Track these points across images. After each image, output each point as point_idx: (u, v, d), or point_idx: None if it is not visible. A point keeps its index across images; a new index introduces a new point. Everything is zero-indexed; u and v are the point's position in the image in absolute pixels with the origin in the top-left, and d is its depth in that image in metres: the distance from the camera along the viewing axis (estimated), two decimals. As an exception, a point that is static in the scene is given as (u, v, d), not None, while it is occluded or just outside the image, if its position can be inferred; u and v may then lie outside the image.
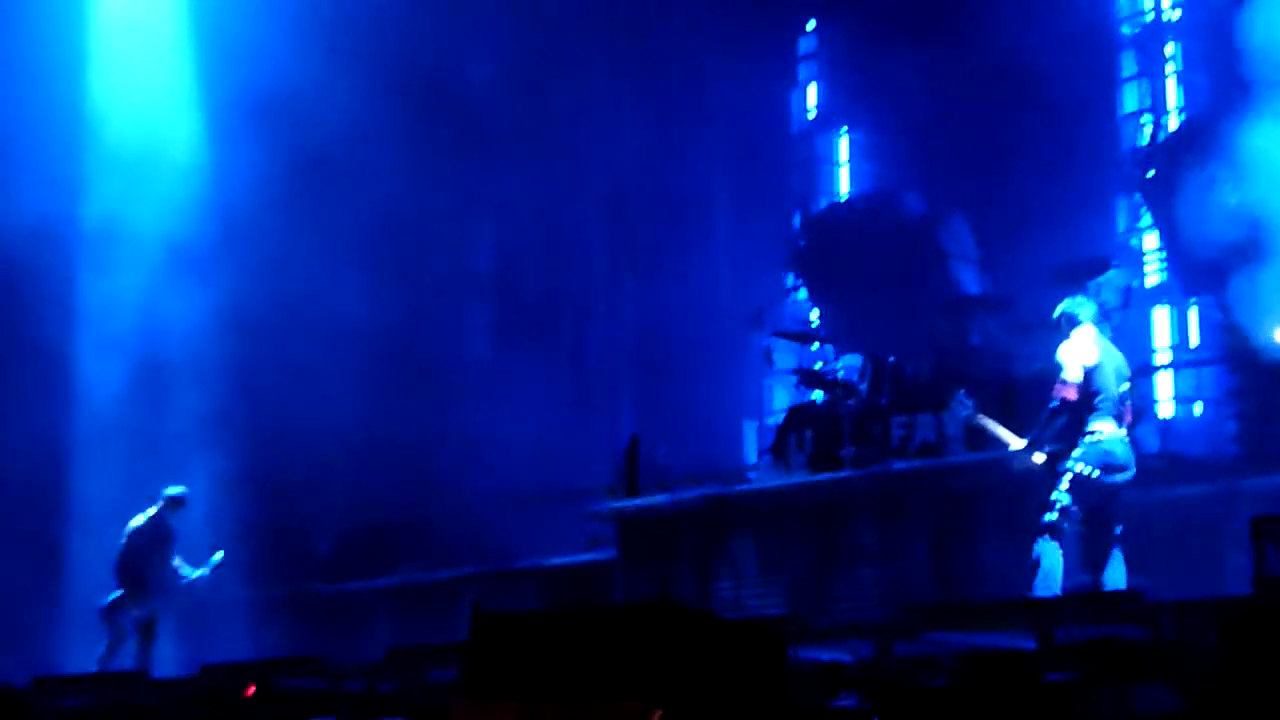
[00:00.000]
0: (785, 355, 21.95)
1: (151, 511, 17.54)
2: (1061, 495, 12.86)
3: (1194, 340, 20.31)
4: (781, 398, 22.10)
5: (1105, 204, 21.11)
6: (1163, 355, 20.69)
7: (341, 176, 21.35)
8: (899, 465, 16.24)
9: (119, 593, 17.39)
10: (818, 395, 18.56)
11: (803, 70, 25.84)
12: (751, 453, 22.18)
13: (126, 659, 17.04)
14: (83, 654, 17.76)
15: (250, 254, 21.08)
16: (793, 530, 16.66)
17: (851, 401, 17.49)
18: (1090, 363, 13.15)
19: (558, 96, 24.99)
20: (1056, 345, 13.39)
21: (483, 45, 24.20)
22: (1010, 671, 9.24)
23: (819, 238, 22.98)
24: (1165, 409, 20.18)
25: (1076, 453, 12.94)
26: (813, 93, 25.73)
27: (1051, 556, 12.78)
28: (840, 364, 18.69)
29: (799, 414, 18.41)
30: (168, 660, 17.46)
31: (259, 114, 21.00)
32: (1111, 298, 18.38)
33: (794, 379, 20.55)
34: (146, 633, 17.43)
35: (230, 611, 19.42)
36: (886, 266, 20.14)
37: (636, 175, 24.67)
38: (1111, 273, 18.43)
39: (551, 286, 24.69)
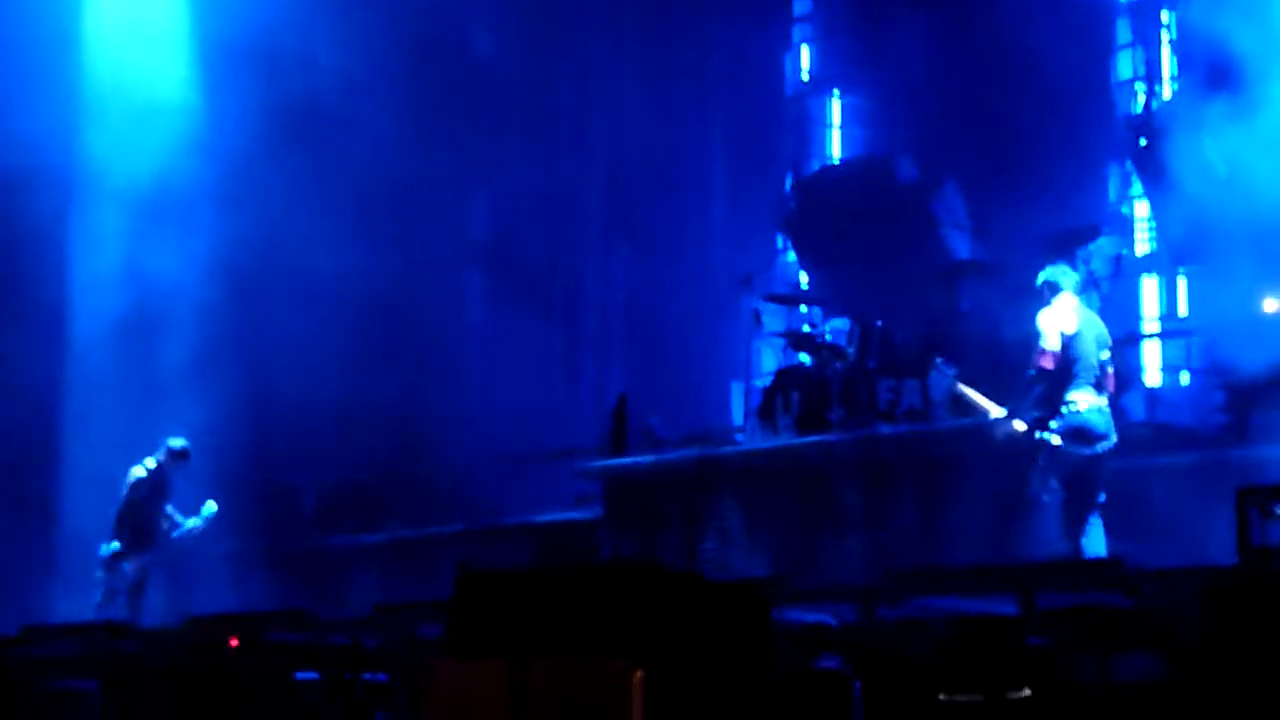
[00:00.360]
0: (774, 318, 21.94)
1: (151, 463, 17.50)
2: (1044, 471, 12.95)
3: (1182, 309, 20.33)
4: (770, 360, 22.08)
5: (1097, 172, 21.11)
6: (1151, 324, 20.70)
7: (338, 134, 21.29)
8: (885, 429, 16.27)
9: (118, 544, 17.37)
10: (805, 358, 18.57)
11: (797, 32, 25.78)
12: (739, 414, 22.17)
13: (119, 610, 17.04)
14: (76, 606, 17.78)
15: (243, 206, 21.02)
16: (779, 492, 16.68)
17: (839, 365, 17.52)
18: (1069, 331, 13.21)
19: (554, 61, 24.96)
20: (1037, 312, 13.43)
21: (484, 9, 24.13)
22: (993, 636, 9.28)
23: (809, 200, 22.95)
24: (1153, 378, 20.21)
25: (1053, 424, 13.00)
26: (806, 55, 25.68)
27: (1043, 528, 12.92)
28: (828, 327, 18.72)
29: (787, 376, 18.42)
30: (154, 612, 17.47)
31: (254, 64, 20.93)
32: (1101, 266, 18.42)
33: (782, 341, 20.57)
34: (137, 583, 17.43)
35: (216, 564, 19.42)
36: (877, 231, 20.13)
37: (631, 139, 24.66)
38: (1102, 240, 18.46)
39: (544, 250, 24.68)
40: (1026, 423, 13.36)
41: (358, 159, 21.60)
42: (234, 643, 12.87)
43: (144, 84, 21.44)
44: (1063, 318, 13.37)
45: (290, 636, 13.10)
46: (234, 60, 21.30)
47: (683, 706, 7.81)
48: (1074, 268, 16.69)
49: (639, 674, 7.57)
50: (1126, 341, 19.18)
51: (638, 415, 19.41)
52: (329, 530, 22.02)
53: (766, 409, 18.01)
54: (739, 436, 19.33)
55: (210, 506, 17.62)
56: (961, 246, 19.98)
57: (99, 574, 17.40)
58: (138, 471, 17.48)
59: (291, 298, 21.04)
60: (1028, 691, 8.86)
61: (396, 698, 11.71)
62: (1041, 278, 13.68)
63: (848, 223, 20.91)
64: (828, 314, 19.62)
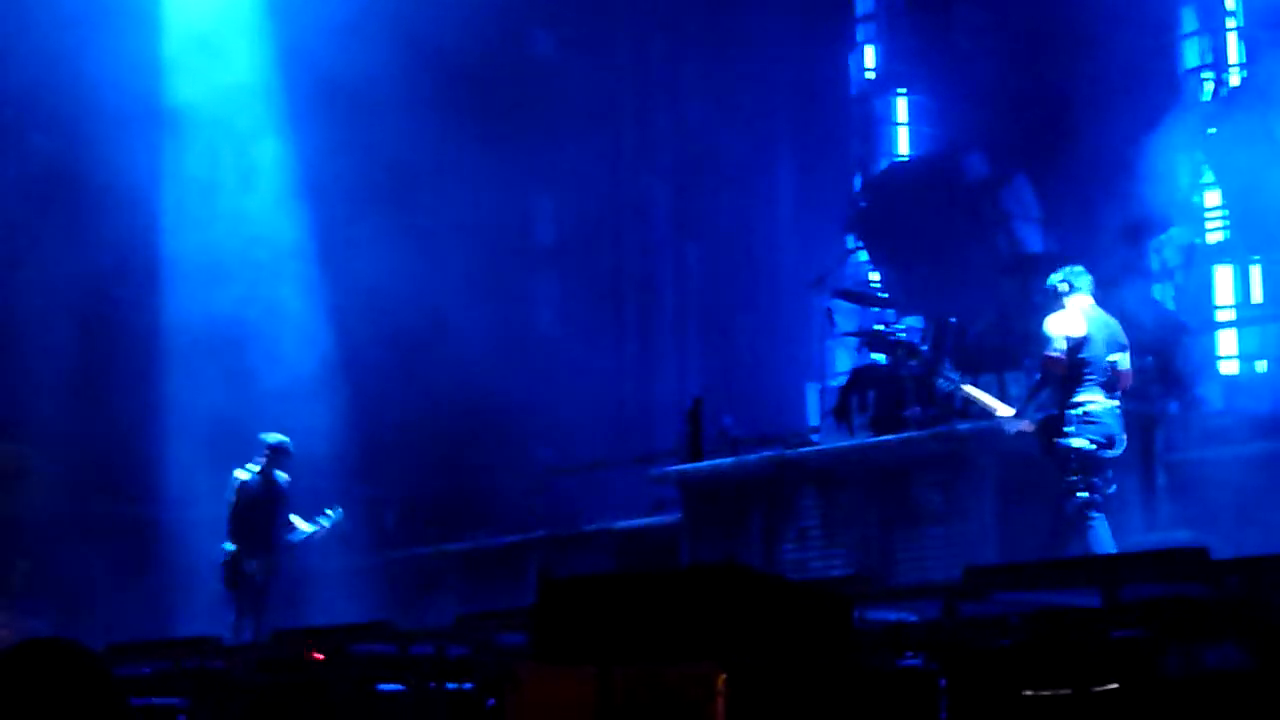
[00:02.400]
0: (847, 317, 21.89)
1: (254, 466, 17.43)
2: (1078, 477, 12.97)
3: (1256, 297, 20.15)
4: (843, 360, 22.04)
5: (1167, 161, 20.96)
6: (1224, 313, 20.53)
7: (395, 141, 21.39)
8: (962, 426, 16.21)
9: (232, 546, 17.33)
10: (880, 357, 18.52)
11: (860, 31, 25.69)
12: (814, 415, 22.13)
13: (269, 617, 17.00)
14: (177, 622, 17.90)
15: (322, 234, 21.30)
16: (856, 492, 16.65)
17: (914, 363, 17.46)
18: (1077, 334, 13.31)
19: (616, 62, 24.97)
20: (1048, 314, 13.56)
21: (543, 11, 24.18)
22: (1077, 629, 9.22)
23: (879, 199, 22.87)
24: (1229, 366, 20.05)
25: (1070, 429, 13.02)
26: (870, 54, 25.58)
27: (1099, 534, 12.90)
28: (902, 325, 18.67)
29: (861, 376, 18.38)
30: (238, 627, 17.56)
31: (314, 72, 21.11)
32: (1173, 255, 18.30)
33: (856, 341, 20.51)
34: (261, 588, 17.35)
35: (299, 580, 19.52)
36: (948, 227, 20.03)
37: (695, 142, 24.64)
38: (1173, 230, 18.33)
39: (612, 254, 24.70)
40: (1034, 423, 13.44)
41: (417, 166, 21.69)
42: (318, 656, 12.93)
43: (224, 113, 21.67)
44: (1070, 322, 13.46)
45: (374, 648, 13.14)
46: (293, 65, 21.47)
47: (767, 709, 7.80)
48: (1146, 258, 16.64)
49: (723, 678, 7.55)
50: (1201, 330, 19.07)
51: (712, 418, 19.40)
52: (410, 541, 22.10)
53: (842, 409, 17.97)
54: (814, 437, 19.28)
55: (334, 512, 17.57)
56: (1033, 239, 19.85)
57: (226, 586, 17.31)
58: (240, 475, 17.43)
59: (360, 311, 21.17)
60: (1114, 685, 8.80)
61: (482, 706, 11.72)
62: (1054, 279, 13.75)
63: (918, 220, 20.81)
64: (900, 312, 19.56)
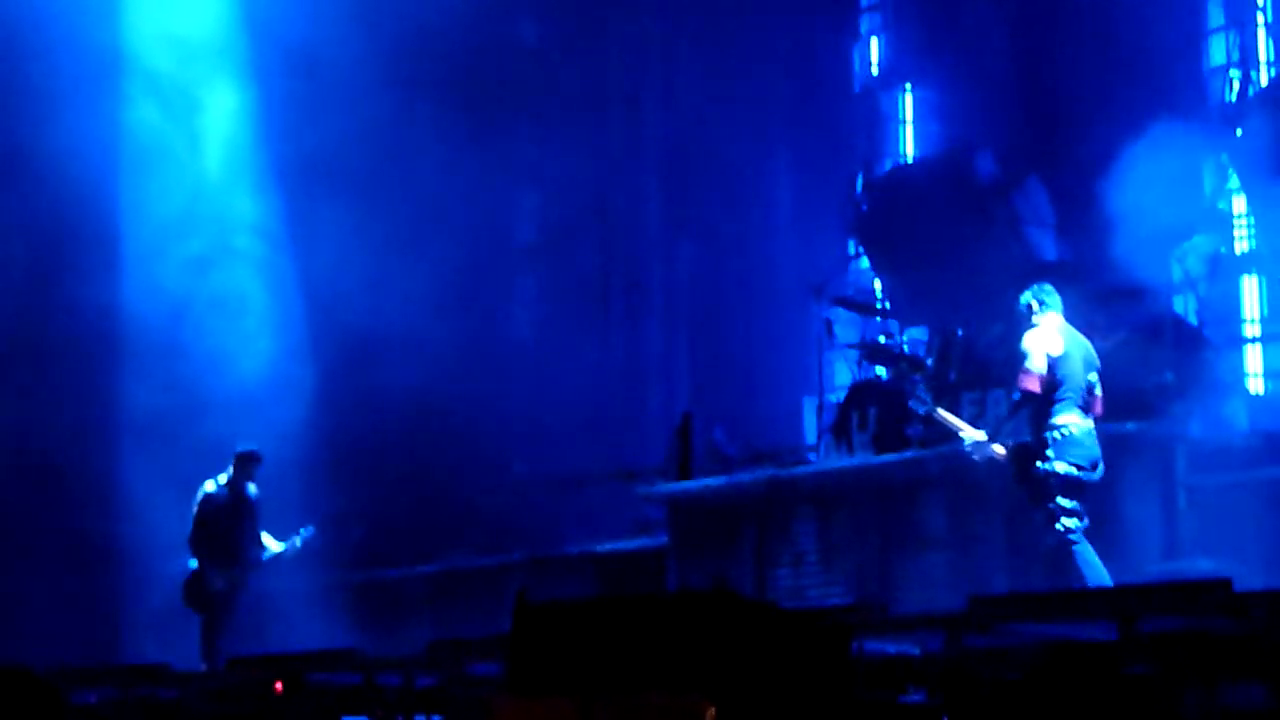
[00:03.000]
0: (847, 328, 21.91)
1: (222, 478, 17.29)
2: (1062, 502, 13.03)
3: (1286, 311, 20.20)
4: (843, 373, 22.03)
5: (1191, 165, 20.98)
6: (1252, 327, 20.56)
7: (369, 139, 21.40)
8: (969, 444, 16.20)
9: (194, 563, 17.22)
10: (882, 371, 18.53)
11: (865, 22, 25.73)
12: (811, 432, 22.13)
13: (235, 639, 16.97)
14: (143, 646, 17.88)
15: (287, 221, 21.28)
16: (856, 514, 16.66)
17: (918, 377, 17.47)
18: (1055, 353, 13.44)
19: (605, 50, 24.97)
20: (1022, 334, 13.61)
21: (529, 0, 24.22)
22: (1089, 664, 9.22)
23: (882, 201, 22.87)
24: (1255, 384, 20.07)
25: (1050, 452, 13.11)
26: (875, 46, 25.62)
27: (1090, 563, 12.96)
28: (906, 337, 18.68)
29: (862, 391, 18.40)
30: (191, 652, 17.52)
31: (289, 62, 21.14)
32: (1197, 265, 18.31)
33: (856, 353, 20.52)
34: (225, 606, 17.28)
35: (256, 602, 19.46)
36: (955, 232, 20.03)
37: (688, 137, 24.63)
38: (1197, 239, 18.35)
39: (600, 256, 24.68)
40: (1006, 447, 13.54)
41: (388, 152, 21.68)
42: (278, 686, 12.91)
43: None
44: (1049, 339, 13.56)
45: (338, 678, 13.13)
46: (272, 56, 21.50)
47: (759, 746, 7.80)
48: (1169, 267, 16.66)
49: (711, 711, 7.55)
50: (1228, 345, 19.08)
51: (702, 434, 19.40)
52: (377, 562, 22.07)
53: (841, 426, 17.99)
54: (811, 456, 19.30)
55: (305, 530, 17.52)
56: (1046, 246, 19.87)
57: (188, 606, 17.22)
58: (207, 486, 17.32)
59: (321, 308, 21.19)
60: (1128, 724, 8.82)
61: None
62: (1025, 297, 13.88)
63: (924, 224, 20.81)
64: (904, 323, 19.58)
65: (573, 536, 20.73)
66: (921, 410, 14.84)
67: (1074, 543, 13.10)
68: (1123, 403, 15.42)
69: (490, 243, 23.62)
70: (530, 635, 8.42)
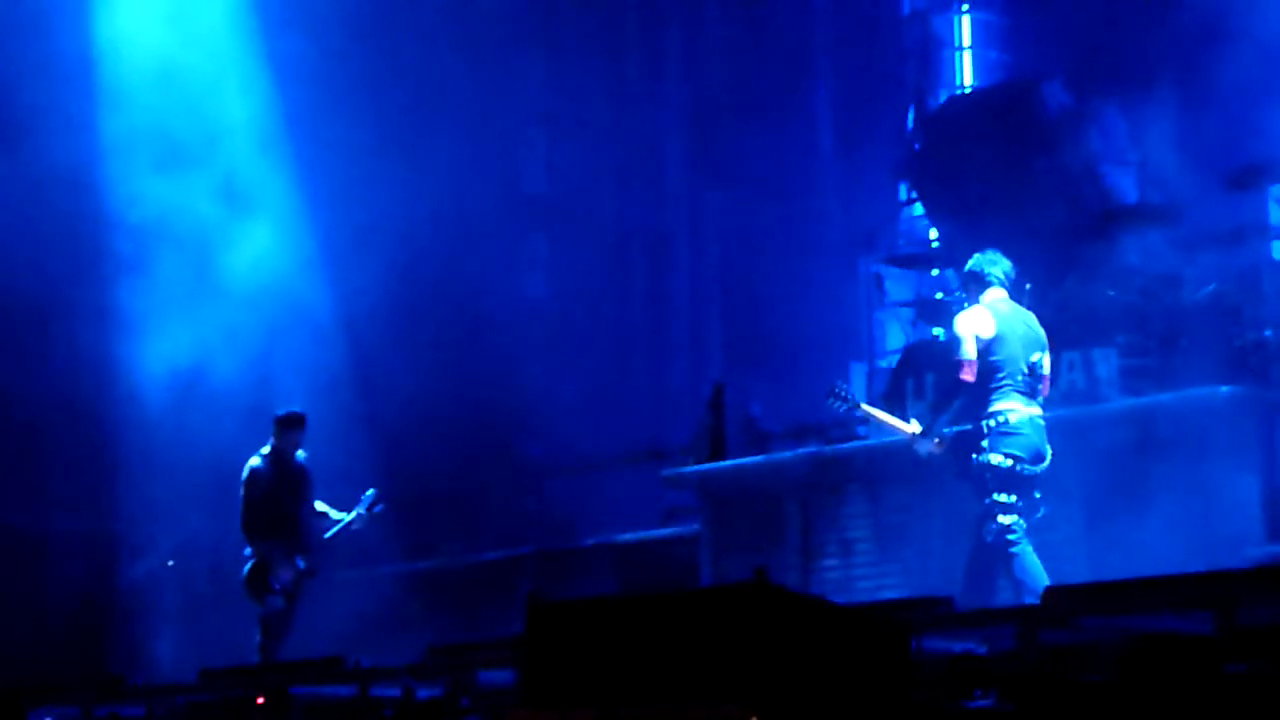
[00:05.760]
0: (899, 284, 21.90)
1: (265, 449, 17.25)
2: (999, 497, 13.26)
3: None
4: (896, 335, 22.04)
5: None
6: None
7: (366, 70, 21.54)
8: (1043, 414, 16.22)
9: (250, 553, 17.16)
10: (939, 331, 18.52)
11: (915, -64, 25.70)
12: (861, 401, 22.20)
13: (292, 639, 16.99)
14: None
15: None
16: (912, 496, 16.67)
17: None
18: (986, 335, 13.67)
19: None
20: (962, 309, 14.02)
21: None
22: (1182, 662, 9.23)
23: (938, 140, 22.83)
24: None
25: (985, 443, 13.32)
26: (927, -37, 25.59)
27: (1025, 565, 13.22)
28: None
29: (917, 354, 18.38)
30: (162, 662, 17.58)
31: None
32: (1294, 209, 18.26)
33: (910, 312, 20.51)
34: (290, 598, 17.25)
35: (231, 605, 19.51)
36: (1022, 173, 20.00)
37: (720, 71, 24.62)
38: (1300, 177, 18.29)
39: (618, 206, 24.69)
40: (947, 439, 13.87)
41: (387, 110, 21.74)
42: (259, 700, 12.97)
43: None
44: (978, 321, 13.81)
45: (327, 690, 13.18)
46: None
47: (807, 759, 7.82)
48: (1267, 209, 16.63)
49: (753, 721, 7.58)
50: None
51: (736, 407, 19.41)
52: (370, 557, 22.11)
53: (894, 394, 17.99)
54: (861, 430, 19.30)
55: (368, 496, 17.49)
56: (1126, 187, 19.84)
57: (254, 600, 17.21)
58: (252, 462, 17.25)
59: (305, 269, 21.31)
60: (1227, 728, 8.82)
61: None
62: (966, 268, 14.14)
63: (985, 164, 20.77)
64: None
65: (591, 527, 20.79)
66: (842, 409, 15.07)
67: (1012, 542, 13.43)
68: (1214, 363, 15.43)
69: (497, 195, 23.65)
70: (545, 639, 8.44)
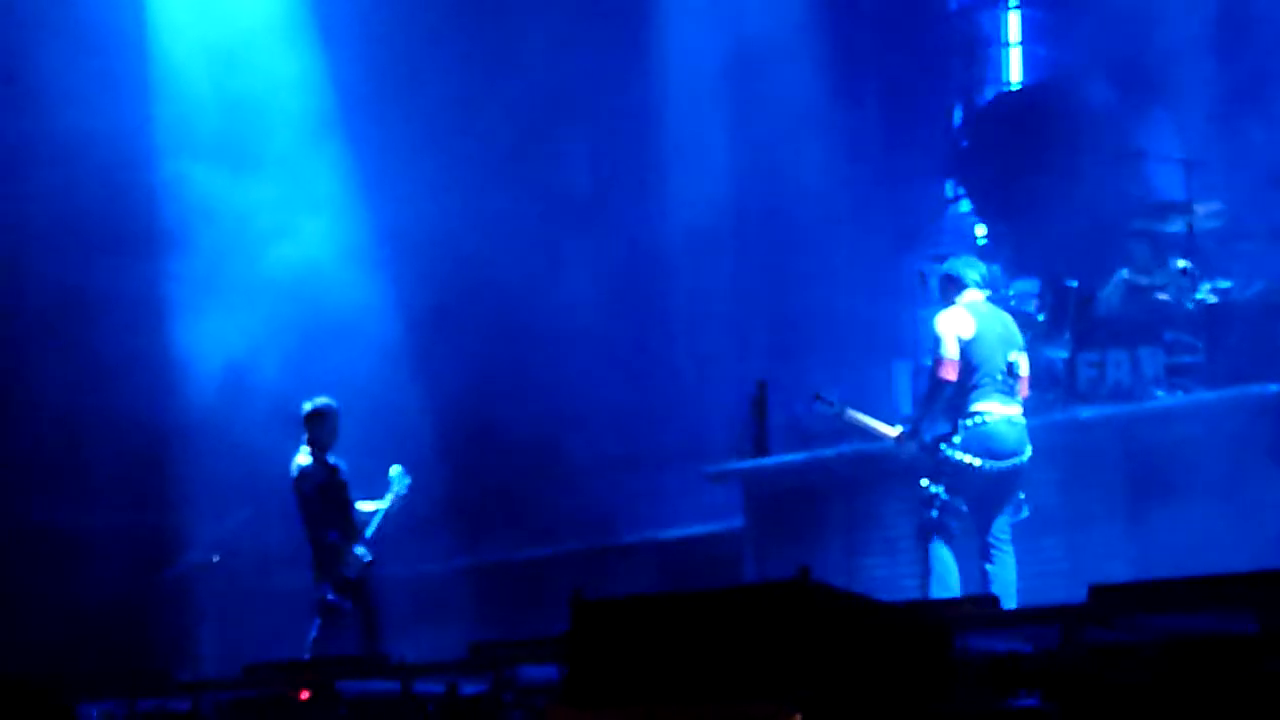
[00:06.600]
0: (946, 281, 21.83)
1: (305, 445, 17.31)
2: (939, 488, 13.52)
3: None
4: (941, 332, 21.97)
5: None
6: None
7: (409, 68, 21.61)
8: (1087, 412, 16.20)
9: (319, 550, 17.14)
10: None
11: (962, -69, 25.64)
12: (905, 400, 22.15)
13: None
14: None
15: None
16: (957, 494, 16.64)
17: (1028, 335, 17.46)
18: (966, 335, 13.96)
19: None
20: (938, 312, 14.49)
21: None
22: (1226, 661, 9.22)
23: (984, 136, 22.85)
24: None
25: (956, 439, 13.60)
26: (974, -42, 25.52)
27: (943, 559, 13.48)
28: (1013, 290, 18.65)
29: (962, 352, 18.34)
30: (206, 657, 17.62)
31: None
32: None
33: (956, 309, 20.46)
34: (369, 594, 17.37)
35: (273, 601, 19.57)
36: (1069, 169, 19.99)
37: (759, 60, 24.54)
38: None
39: (656, 199, 24.61)
40: (924, 442, 14.24)
41: (421, 108, 21.80)
42: (303, 694, 13.01)
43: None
44: (958, 321, 14.20)
45: (370, 685, 13.21)
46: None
47: (850, 757, 7.84)
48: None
49: (796, 719, 7.59)
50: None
51: (779, 405, 19.40)
52: (412, 554, 22.16)
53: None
54: (906, 427, 19.30)
55: (395, 471, 17.54)
56: (1172, 182, 19.81)
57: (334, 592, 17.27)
58: (300, 459, 17.28)
59: (351, 270, 21.35)
60: (1272, 729, 8.81)
61: (502, 755, 11.80)
62: (942, 270, 14.38)
63: (1032, 161, 20.79)
64: (1011, 274, 19.53)
65: (633, 524, 20.79)
66: (829, 413, 15.28)
67: (932, 537, 14.00)
68: (1261, 361, 15.42)
69: (534, 188, 23.62)
70: (588, 637, 8.46)
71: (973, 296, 14.44)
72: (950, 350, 14.09)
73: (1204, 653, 9.33)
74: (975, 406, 13.96)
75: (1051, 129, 20.79)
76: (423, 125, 22.12)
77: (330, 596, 16.99)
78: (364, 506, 17.40)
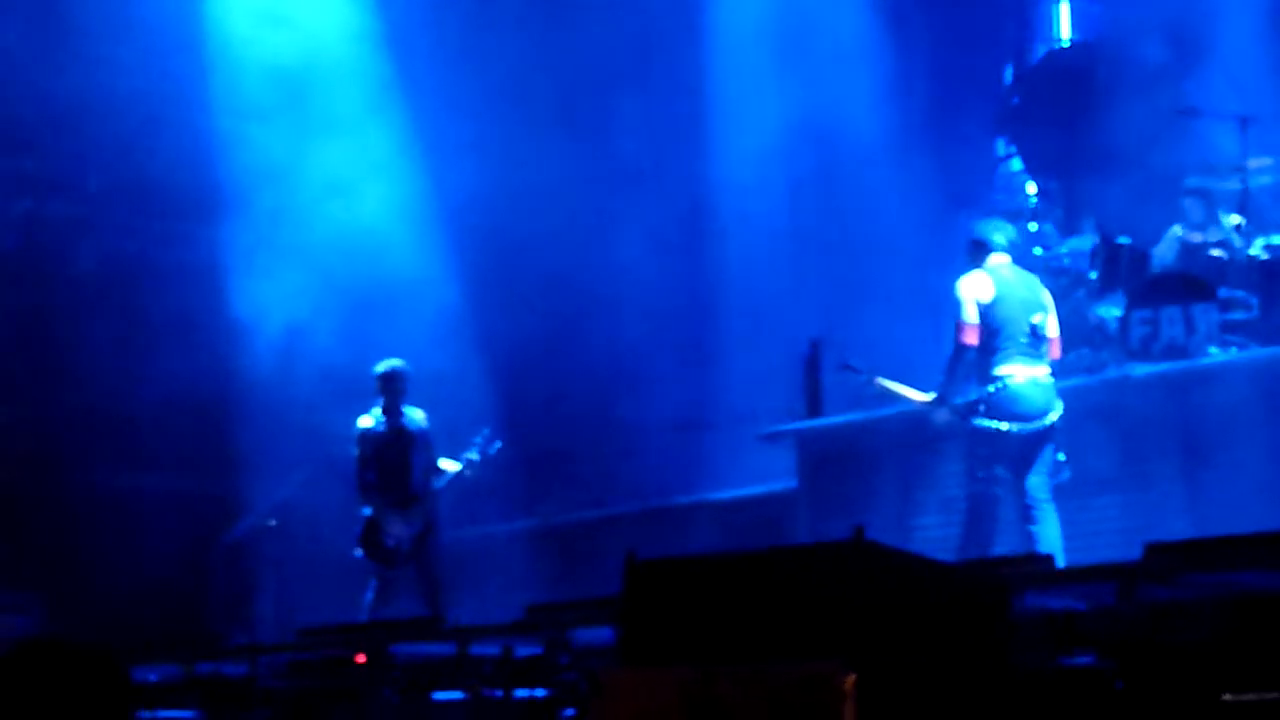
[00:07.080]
0: (997, 239, 21.74)
1: (377, 410, 17.49)
2: (978, 458, 13.56)
3: None
4: (992, 292, 21.90)
5: None
6: None
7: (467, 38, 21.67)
8: (1140, 370, 16.14)
9: (369, 513, 17.38)
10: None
11: (1012, -114, 25.50)
12: (958, 359, 22.14)
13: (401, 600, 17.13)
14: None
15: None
16: (1012, 452, 16.60)
17: (1081, 293, 17.40)
18: (985, 299, 13.94)
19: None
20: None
21: None
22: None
23: (1036, 94, 22.77)
24: None
25: (983, 408, 13.73)
26: (1024, -87, 25.40)
27: (977, 527, 13.61)
28: (1065, 248, 18.58)
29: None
30: (262, 621, 17.66)
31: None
32: None
33: (1008, 267, 20.38)
34: (412, 560, 17.40)
35: (325, 566, 19.61)
36: (1121, 126, 19.91)
37: (809, 17, 24.43)
38: None
39: (709, 168, 24.56)
40: (955, 406, 14.36)
41: (478, 53, 21.82)
42: (359, 658, 13.03)
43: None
44: (977, 285, 14.34)
45: (426, 649, 13.22)
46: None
47: (905, 716, 7.80)
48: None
49: (851, 679, 7.56)
50: None
51: (833, 365, 19.37)
52: (466, 517, 22.18)
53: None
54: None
55: (481, 439, 17.61)
56: (1227, 141, 19.70)
57: (369, 558, 17.35)
58: (363, 422, 17.48)
59: (407, 234, 21.38)
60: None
61: (558, 718, 11.79)
62: (970, 235, 14.43)
63: (1084, 118, 20.70)
64: (1064, 232, 19.46)
65: (687, 486, 20.77)
66: (858, 380, 15.38)
67: (976, 505, 14.13)
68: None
69: (591, 153, 23.61)
70: (643, 597, 8.45)
71: (998, 260, 14.46)
72: (970, 314, 14.19)
73: (1260, 610, 9.28)
74: (999, 369, 14.04)
75: (1103, 86, 20.70)
76: (478, 89, 22.17)
77: (379, 562, 17.10)
78: (446, 465, 17.48)
